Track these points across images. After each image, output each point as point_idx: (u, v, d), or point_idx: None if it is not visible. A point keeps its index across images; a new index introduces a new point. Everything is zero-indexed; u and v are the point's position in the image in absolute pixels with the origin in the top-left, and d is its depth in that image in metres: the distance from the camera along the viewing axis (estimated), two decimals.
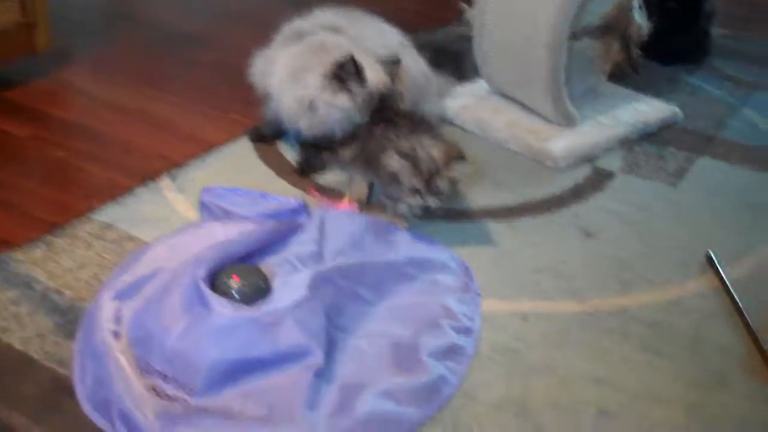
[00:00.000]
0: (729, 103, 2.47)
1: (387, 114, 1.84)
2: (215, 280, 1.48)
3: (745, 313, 1.58)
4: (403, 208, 1.76)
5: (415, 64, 2.13)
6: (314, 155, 2.00)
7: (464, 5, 2.40)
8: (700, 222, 1.90)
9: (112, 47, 2.75)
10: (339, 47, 1.91)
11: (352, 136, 1.86)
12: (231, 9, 3.11)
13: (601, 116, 2.24)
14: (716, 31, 2.76)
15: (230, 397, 1.32)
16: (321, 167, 2.00)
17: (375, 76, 1.87)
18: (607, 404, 1.39)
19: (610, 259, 1.76)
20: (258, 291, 1.49)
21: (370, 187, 1.88)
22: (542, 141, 2.13)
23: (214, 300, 1.40)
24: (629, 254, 1.78)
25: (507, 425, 1.34)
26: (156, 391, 1.33)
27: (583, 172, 2.08)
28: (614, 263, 1.75)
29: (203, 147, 2.10)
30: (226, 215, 1.77)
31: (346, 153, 1.86)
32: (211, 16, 3.06)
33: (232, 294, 1.46)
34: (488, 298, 1.62)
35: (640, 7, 2.22)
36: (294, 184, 1.96)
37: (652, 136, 2.24)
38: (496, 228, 1.85)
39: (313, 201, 1.87)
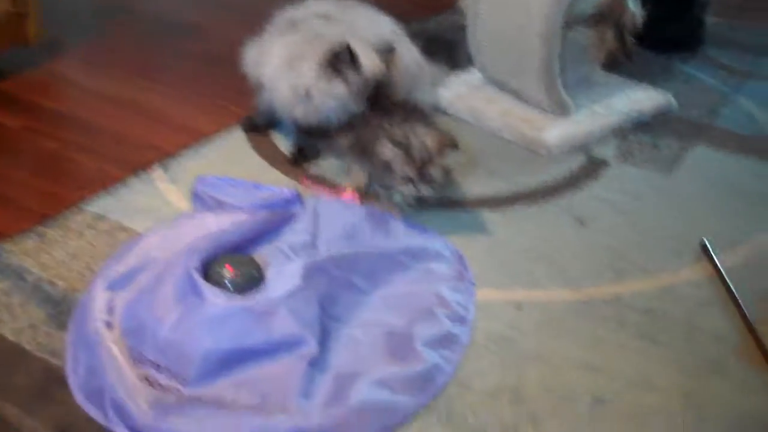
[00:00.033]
0: (723, 91, 2.47)
1: (383, 102, 1.84)
2: (208, 270, 1.47)
3: (740, 301, 1.58)
4: (397, 197, 1.75)
5: (408, 52, 2.12)
6: (309, 144, 1.99)
7: None
8: (695, 210, 1.90)
9: (103, 38, 2.73)
10: (334, 35, 1.89)
11: (348, 124, 1.86)
12: None
13: (595, 105, 2.23)
14: (710, 19, 2.75)
15: (224, 386, 1.32)
16: (315, 156, 2.00)
17: (370, 63, 1.86)
18: (602, 392, 1.39)
19: (604, 248, 1.76)
20: (251, 280, 1.48)
21: (369, 175, 1.87)
22: (536, 130, 2.13)
23: (207, 290, 1.39)
24: (623, 243, 1.77)
25: (501, 414, 1.34)
26: (149, 381, 1.33)
27: (577, 161, 2.07)
28: (608, 252, 1.74)
29: (195, 137, 2.10)
30: (218, 206, 1.76)
31: (343, 141, 1.86)
32: (203, 6, 3.05)
33: (225, 284, 1.46)
34: (482, 286, 1.62)
35: None
36: (287, 174, 1.96)
37: (646, 125, 2.24)
38: (490, 217, 1.84)
39: (306, 190, 1.86)
